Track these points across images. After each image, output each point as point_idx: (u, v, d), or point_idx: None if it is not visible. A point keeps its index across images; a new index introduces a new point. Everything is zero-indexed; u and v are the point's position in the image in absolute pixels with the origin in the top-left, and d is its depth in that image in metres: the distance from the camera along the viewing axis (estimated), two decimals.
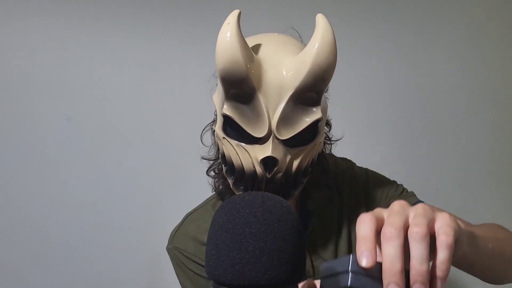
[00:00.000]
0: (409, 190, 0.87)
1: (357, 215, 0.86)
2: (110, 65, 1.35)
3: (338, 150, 0.86)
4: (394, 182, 0.87)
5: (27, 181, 1.31)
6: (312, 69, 0.60)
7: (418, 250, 0.35)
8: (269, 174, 0.64)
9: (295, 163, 0.66)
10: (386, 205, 0.83)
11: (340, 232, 0.81)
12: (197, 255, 0.79)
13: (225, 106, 0.65)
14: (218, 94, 0.69)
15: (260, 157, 0.63)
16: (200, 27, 1.39)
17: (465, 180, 1.50)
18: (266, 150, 0.63)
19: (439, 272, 0.36)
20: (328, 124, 0.83)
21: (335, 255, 0.79)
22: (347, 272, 0.36)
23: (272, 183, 0.66)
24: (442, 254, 0.36)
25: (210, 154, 0.81)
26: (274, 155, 0.63)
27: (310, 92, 0.63)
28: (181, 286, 0.82)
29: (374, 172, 0.89)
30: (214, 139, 0.76)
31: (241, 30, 0.62)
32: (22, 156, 1.31)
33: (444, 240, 0.36)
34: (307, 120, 0.64)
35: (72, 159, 1.33)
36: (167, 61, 1.38)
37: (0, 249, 1.30)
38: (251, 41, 0.68)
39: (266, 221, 0.40)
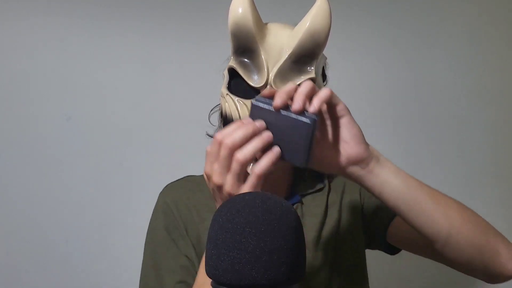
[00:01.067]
0: None
1: (350, 212, 0.85)
2: (110, 65, 1.35)
3: None
4: None
5: (27, 181, 1.31)
6: (308, 30, 0.69)
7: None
8: None
9: None
10: (375, 210, 0.85)
11: (326, 223, 0.82)
12: (172, 209, 0.83)
13: (232, 60, 0.75)
14: (227, 66, 0.78)
15: None
16: (201, 27, 1.39)
17: (465, 180, 1.50)
18: None
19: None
20: None
21: (317, 243, 0.80)
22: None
23: None
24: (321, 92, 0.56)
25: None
26: None
27: (306, 56, 0.72)
28: (148, 230, 0.87)
29: None
30: (221, 117, 0.81)
31: None
32: (22, 156, 1.31)
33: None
34: (302, 77, 0.73)
35: (72, 159, 1.33)
36: (167, 61, 1.38)
37: (0, 248, 1.30)
38: None
39: (266, 221, 0.40)
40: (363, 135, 0.61)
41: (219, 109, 0.83)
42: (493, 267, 0.66)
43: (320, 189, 0.84)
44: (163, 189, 0.88)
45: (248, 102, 0.73)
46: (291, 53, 0.71)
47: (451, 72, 1.50)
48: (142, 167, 1.35)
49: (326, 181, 0.86)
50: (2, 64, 1.31)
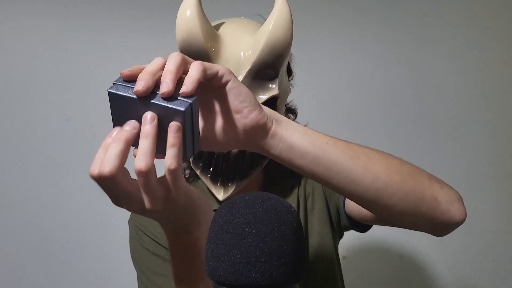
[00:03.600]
0: None
1: (316, 201, 0.83)
2: (110, 65, 1.35)
3: None
4: None
5: (27, 181, 1.31)
6: (267, 44, 0.62)
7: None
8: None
9: None
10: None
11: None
12: (147, 227, 0.78)
13: None
14: None
15: None
16: None
17: (465, 180, 1.50)
18: None
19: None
20: (294, 112, 0.83)
21: None
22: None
23: (228, 159, 0.68)
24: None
25: None
26: None
27: (267, 69, 0.65)
28: (132, 257, 0.80)
29: None
30: None
31: (206, 11, 0.64)
32: (22, 156, 1.31)
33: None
34: (264, 96, 0.66)
35: (72, 159, 1.32)
36: None
37: (0, 249, 1.30)
38: (215, 22, 0.70)
39: (266, 221, 0.40)
40: (254, 98, 0.50)
41: None
42: (436, 218, 0.58)
43: (291, 187, 0.82)
44: (130, 215, 0.84)
45: None
46: (249, 69, 0.63)
47: (451, 73, 1.50)
48: None
49: (297, 176, 0.84)
50: (2, 65, 1.31)
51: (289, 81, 0.79)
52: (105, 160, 0.42)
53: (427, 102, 1.49)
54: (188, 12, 0.62)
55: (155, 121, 0.43)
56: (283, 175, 0.83)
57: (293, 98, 0.83)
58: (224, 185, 0.71)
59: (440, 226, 0.60)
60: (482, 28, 1.51)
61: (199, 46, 0.62)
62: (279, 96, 0.68)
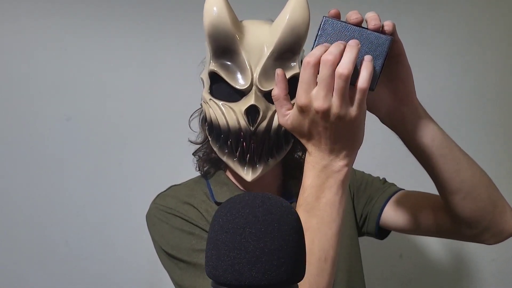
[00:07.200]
0: (405, 189, 0.90)
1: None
2: (110, 65, 1.35)
3: None
4: (378, 177, 0.92)
5: (27, 181, 1.31)
6: (288, 24, 0.68)
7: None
8: (252, 127, 0.69)
9: (276, 119, 0.71)
10: (368, 198, 0.87)
11: None
12: (177, 210, 0.77)
13: (212, 63, 0.72)
14: (205, 70, 0.76)
15: (244, 107, 0.69)
16: (200, 27, 1.39)
17: None
18: (249, 100, 0.69)
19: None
20: None
21: None
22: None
23: (255, 138, 0.70)
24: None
25: (198, 139, 0.85)
26: (256, 104, 0.68)
27: (287, 52, 0.70)
28: (162, 244, 0.77)
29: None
30: (205, 122, 0.80)
31: None
32: (22, 156, 1.31)
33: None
34: (286, 74, 0.71)
35: (72, 159, 1.33)
36: (167, 61, 1.38)
37: (0, 248, 1.30)
38: None
39: (266, 221, 0.40)
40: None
41: (201, 115, 0.82)
42: (499, 222, 0.70)
43: None
44: (155, 199, 0.83)
45: (233, 105, 0.71)
46: (272, 50, 0.69)
47: (451, 72, 1.50)
48: (141, 167, 1.35)
49: None
50: (2, 65, 1.31)
51: None
52: (344, 63, 0.52)
53: (426, 102, 1.49)
54: None
55: (359, 45, 0.54)
56: (301, 171, 0.84)
57: None
58: (252, 166, 0.73)
59: (498, 231, 0.71)
60: (482, 27, 1.51)
61: (225, 27, 0.68)
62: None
